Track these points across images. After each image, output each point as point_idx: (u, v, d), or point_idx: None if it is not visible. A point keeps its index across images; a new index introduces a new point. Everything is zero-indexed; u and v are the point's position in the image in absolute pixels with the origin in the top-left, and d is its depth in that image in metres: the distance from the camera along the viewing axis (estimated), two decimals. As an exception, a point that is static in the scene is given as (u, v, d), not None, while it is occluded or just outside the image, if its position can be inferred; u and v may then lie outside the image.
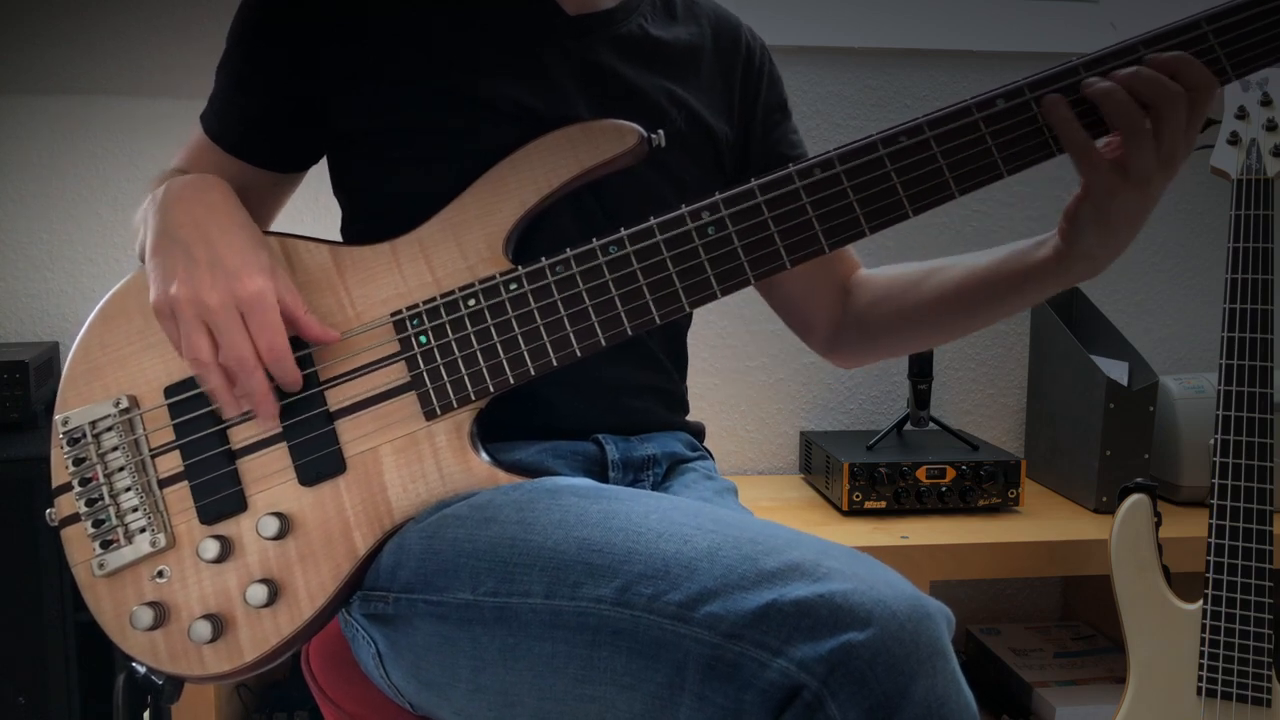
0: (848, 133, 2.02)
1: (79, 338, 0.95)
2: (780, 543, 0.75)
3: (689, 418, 1.18)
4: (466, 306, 0.92)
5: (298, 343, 0.91)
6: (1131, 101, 0.84)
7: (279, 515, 0.90)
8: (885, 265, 1.18)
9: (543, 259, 0.91)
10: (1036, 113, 0.87)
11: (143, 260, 0.93)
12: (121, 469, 0.92)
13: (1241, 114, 1.42)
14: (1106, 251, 0.93)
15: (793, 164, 0.90)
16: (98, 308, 0.96)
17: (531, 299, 0.91)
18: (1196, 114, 0.85)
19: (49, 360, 1.79)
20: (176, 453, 0.92)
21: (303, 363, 0.91)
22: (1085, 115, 0.86)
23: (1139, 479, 1.47)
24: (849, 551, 0.76)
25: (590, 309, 0.91)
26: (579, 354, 0.91)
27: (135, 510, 0.91)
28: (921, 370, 1.88)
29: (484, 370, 0.91)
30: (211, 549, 0.89)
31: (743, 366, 2.06)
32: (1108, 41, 0.88)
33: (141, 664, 0.91)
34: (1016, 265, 1.00)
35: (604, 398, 1.05)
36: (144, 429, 0.93)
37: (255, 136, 1.04)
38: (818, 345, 1.23)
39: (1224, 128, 1.43)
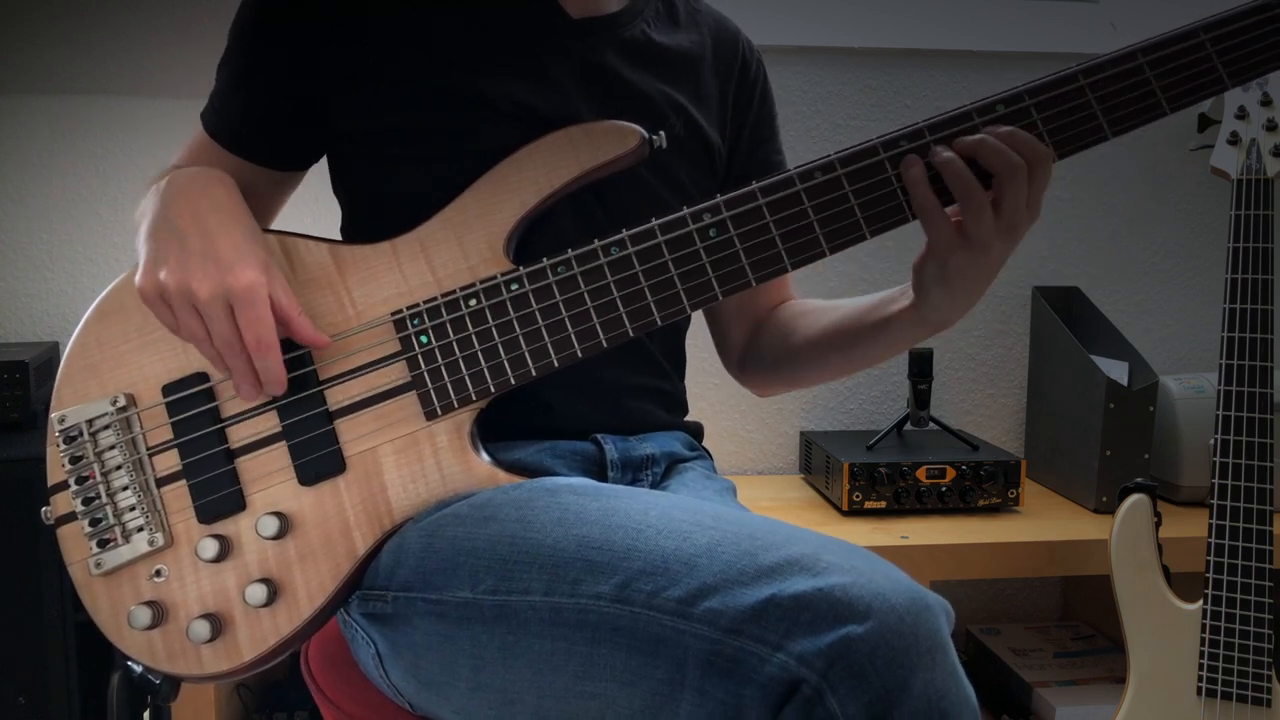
0: (848, 133, 2.02)
1: (75, 335, 0.95)
2: (779, 538, 0.76)
3: (687, 418, 1.18)
4: (467, 306, 0.92)
5: (292, 344, 0.91)
6: (969, 173, 0.86)
7: (278, 515, 0.90)
8: (809, 299, 1.20)
9: (544, 259, 0.91)
10: (1036, 119, 0.87)
11: None
12: (119, 467, 0.92)
13: (1241, 114, 1.42)
14: (952, 306, 0.94)
15: (794, 167, 0.90)
16: (94, 305, 0.96)
17: (533, 299, 0.91)
18: (1037, 186, 0.87)
19: (49, 360, 1.79)
20: (174, 451, 0.92)
21: (302, 361, 0.91)
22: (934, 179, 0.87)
23: (1139, 479, 1.47)
24: (848, 546, 0.76)
25: (592, 310, 0.91)
26: (580, 354, 0.91)
27: (133, 509, 0.91)
28: (921, 370, 1.88)
29: (485, 370, 0.91)
30: (210, 548, 0.89)
31: (743, 367, 2.05)
32: (1107, 42, 0.89)
33: (139, 663, 0.91)
34: (879, 313, 1.02)
35: (603, 398, 1.05)
36: (141, 427, 0.93)
37: (255, 135, 1.04)
38: (731, 368, 1.26)
39: (1224, 128, 1.43)
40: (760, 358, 1.21)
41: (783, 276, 0.92)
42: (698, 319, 1.12)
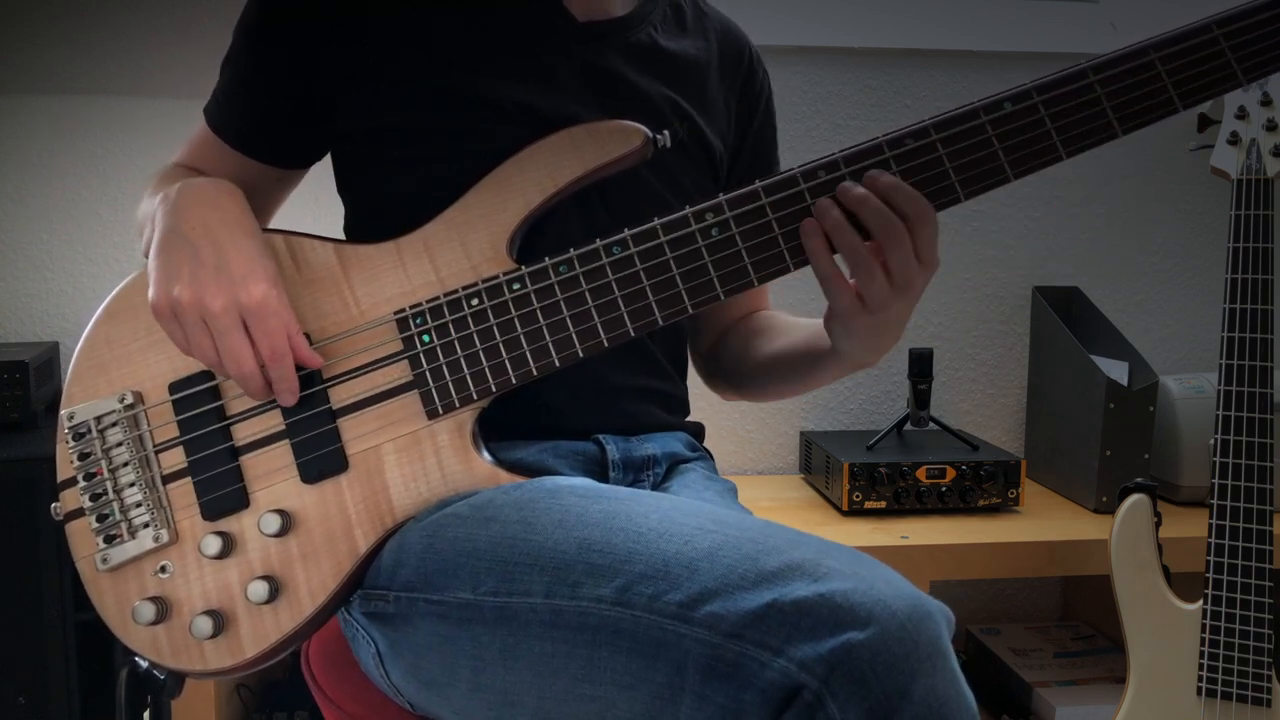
0: (848, 133, 2.03)
1: (85, 334, 0.96)
2: (781, 542, 0.76)
3: (689, 419, 1.18)
4: (470, 306, 0.92)
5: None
6: (854, 234, 0.86)
7: (281, 512, 0.90)
8: (775, 313, 1.21)
9: (546, 259, 0.91)
10: (1043, 115, 0.86)
11: (147, 256, 0.93)
12: (126, 464, 0.92)
13: (1241, 114, 1.42)
14: (865, 355, 0.95)
15: (797, 166, 0.90)
16: (103, 304, 0.96)
17: (535, 299, 0.91)
18: (922, 241, 0.86)
19: (49, 360, 1.79)
20: (180, 449, 0.92)
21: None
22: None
23: (1139, 479, 1.47)
24: (850, 551, 0.76)
25: (593, 309, 0.91)
26: (581, 354, 0.91)
27: (139, 505, 0.92)
28: (921, 370, 1.88)
29: (486, 370, 0.91)
30: (213, 545, 0.89)
31: (743, 366, 2.05)
32: (1108, 42, 0.88)
33: (143, 659, 0.92)
34: (810, 348, 1.04)
35: (604, 399, 1.05)
36: (148, 425, 0.93)
37: (258, 133, 1.04)
38: (699, 370, 1.26)
39: (1224, 128, 1.43)
40: (719, 368, 1.22)
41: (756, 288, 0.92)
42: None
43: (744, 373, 1.17)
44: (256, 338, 0.87)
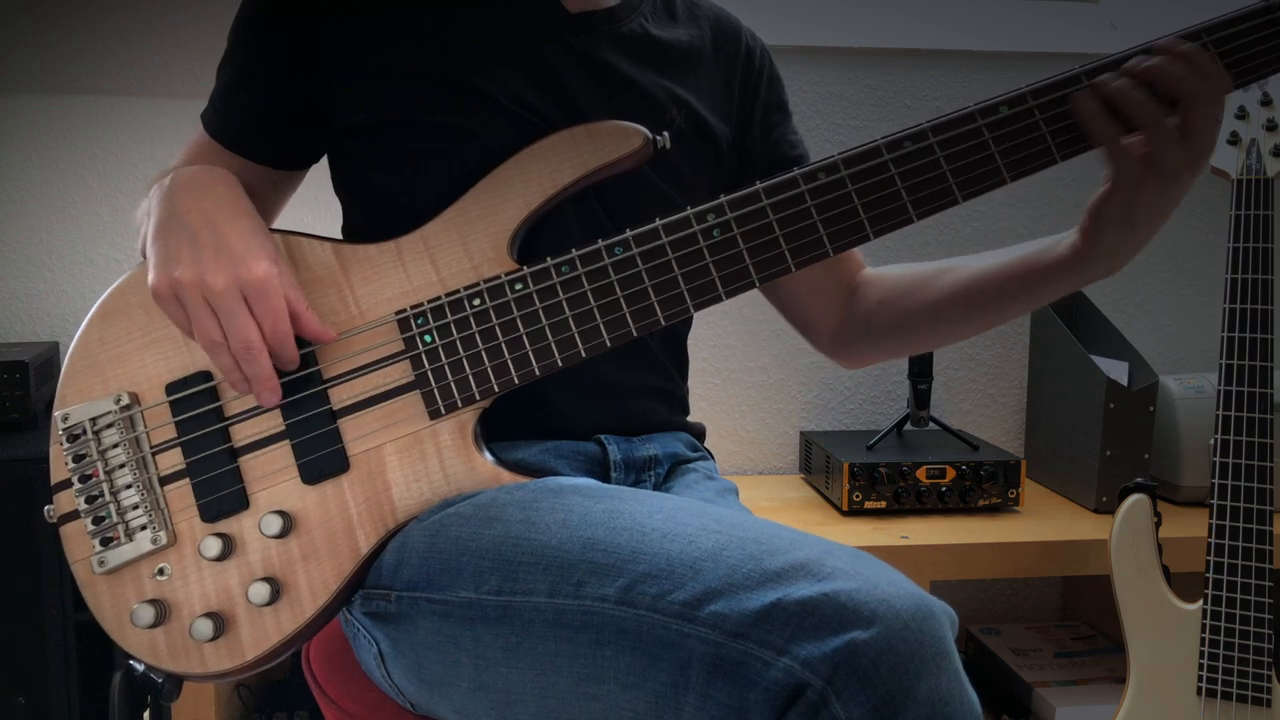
0: (848, 133, 2.03)
1: (78, 334, 0.95)
2: (784, 543, 0.76)
3: (690, 419, 1.18)
4: (471, 306, 0.92)
5: (297, 341, 0.90)
6: (1150, 99, 0.84)
7: (281, 513, 0.90)
8: (889, 265, 1.18)
9: (548, 259, 0.91)
10: (1039, 119, 0.87)
11: (144, 252, 0.92)
12: (122, 466, 0.92)
13: (1241, 114, 1.43)
14: (1126, 250, 0.93)
15: (796, 166, 0.90)
16: (97, 304, 0.95)
17: (536, 299, 0.91)
18: (1220, 108, 0.85)
19: (49, 360, 1.79)
20: (178, 450, 0.92)
21: (306, 360, 0.91)
22: (1111, 112, 0.85)
23: (1139, 479, 1.47)
24: (853, 551, 0.76)
25: (595, 309, 0.91)
26: (584, 354, 0.91)
27: (136, 507, 0.91)
28: (921, 370, 1.88)
29: (488, 370, 0.91)
30: (213, 547, 0.89)
31: (743, 366, 2.06)
32: (1107, 42, 0.89)
33: (141, 662, 0.91)
34: (1031, 265, 1.00)
35: (606, 399, 1.05)
36: (145, 426, 0.93)
37: (256, 134, 1.04)
38: (822, 345, 1.23)
39: (1224, 128, 1.43)
40: (866, 329, 1.17)
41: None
42: (703, 318, 1.12)
43: (912, 321, 1.11)
44: (259, 316, 0.87)
